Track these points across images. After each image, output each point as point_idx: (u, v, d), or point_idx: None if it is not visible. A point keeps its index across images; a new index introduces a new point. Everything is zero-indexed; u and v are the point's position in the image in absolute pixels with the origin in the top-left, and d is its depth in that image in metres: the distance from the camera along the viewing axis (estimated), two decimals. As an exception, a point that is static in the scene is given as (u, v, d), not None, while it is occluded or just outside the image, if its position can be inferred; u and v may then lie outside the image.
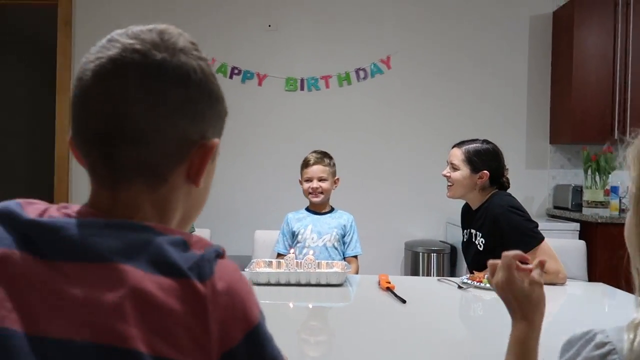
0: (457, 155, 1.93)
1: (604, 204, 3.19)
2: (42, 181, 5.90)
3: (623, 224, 0.72)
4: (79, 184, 3.73)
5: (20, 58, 5.64)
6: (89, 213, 0.54)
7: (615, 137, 3.38)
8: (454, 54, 3.71)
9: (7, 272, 0.48)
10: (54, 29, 3.72)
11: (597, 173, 3.23)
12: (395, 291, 1.48)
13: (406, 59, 3.69)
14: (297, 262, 1.70)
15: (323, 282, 1.62)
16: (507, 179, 1.94)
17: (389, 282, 1.59)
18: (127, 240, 0.50)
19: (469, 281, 1.67)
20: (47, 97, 5.51)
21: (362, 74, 3.70)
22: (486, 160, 1.91)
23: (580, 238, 3.16)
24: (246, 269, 1.71)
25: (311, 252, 2.10)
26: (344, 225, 2.18)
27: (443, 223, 3.72)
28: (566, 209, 3.49)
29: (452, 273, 3.32)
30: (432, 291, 1.67)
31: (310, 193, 2.17)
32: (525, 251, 1.69)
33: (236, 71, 3.70)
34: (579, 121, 3.41)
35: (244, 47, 3.71)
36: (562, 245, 2.09)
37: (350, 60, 3.70)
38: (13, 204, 0.53)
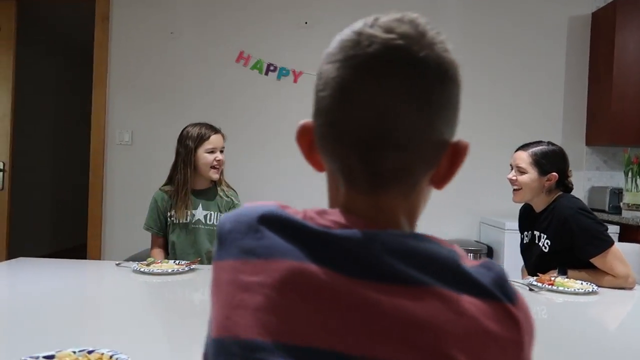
0: (524, 158, 1.91)
1: (642, 207, 3.16)
2: (69, 177, 5.94)
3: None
4: (114, 179, 3.74)
5: (53, 52, 5.67)
6: (359, 222, 0.49)
7: (656, 139, 3.36)
8: (493, 52, 3.68)
9: (310, 287, 0.45)
10: (90, 25, 3.73)
11: (638, 176, 3.20)
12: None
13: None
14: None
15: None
16: (571, 181, 1.93)
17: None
18: (427, 257, 0.47)
19: (538, 283, 1.66)
20: (78, 95, 5.57)
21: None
22: (554, 162, 1.89)
23: (619, 241, 3.15)
24: None
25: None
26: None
27: (477, 223, 3.71)
28: (603, 211, 3.46)
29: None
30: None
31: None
32: (595, 254, 1.70)
33: (272, 68, 3.70)
34: (619, 123, 3.38)
35: (281, 44, 3.71)
36: (622, 248, 2.07)
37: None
38: (278, 209, 0.50)
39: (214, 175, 2.11)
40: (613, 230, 3.18)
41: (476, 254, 3.30)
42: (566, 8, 3.69)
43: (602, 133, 3.52)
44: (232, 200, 2.20)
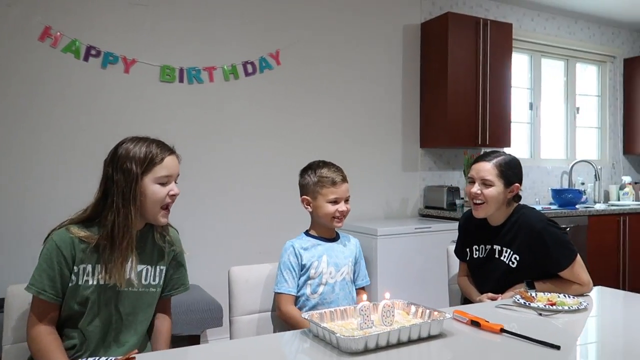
0: (489, 170, 1.79)
1: (483, 204, 3.50)
2: None
3: None
4: None
5: None
6: None
7: (479, 142, 3.77)
8: (340, 56, 3.59)
9: None
10: None
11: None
12: (501, 327, 1.25)
13: (295, 56, 3.40)
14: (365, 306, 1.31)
15: (424, 335, 1.28)
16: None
17: (476, 317, 1.36)
18: None
19: (539, 304, 1.54)
20: None
21: (250, 67, 3.25)
22: (516, 172, 1.82)
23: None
24: (324, 332, 1.25)
25: (337, 288, 1.70)
26: (355, 252, 1.82)
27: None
28: (442, 209, 3.73)
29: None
30: (522, 323, 1.44)
31: (335, 217, 1.74)
32: (566, 265, 1.68)
33: (93, 52, 2.83)
34: (454, 127, 3.68)
35: (106, 23, 2.87)
36: None
37: (237, 51, 3.22)
38: None
39: (163, 218, 1.41)
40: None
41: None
42: (400, 17, 3.84)
43: (438, 136, 3.78)
44: (174, 246, 1.51)
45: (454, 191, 3.76)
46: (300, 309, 1.67)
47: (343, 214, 1.73)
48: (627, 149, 5.16)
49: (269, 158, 3.33)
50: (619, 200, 4.74)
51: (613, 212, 4.09)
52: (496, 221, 1.85)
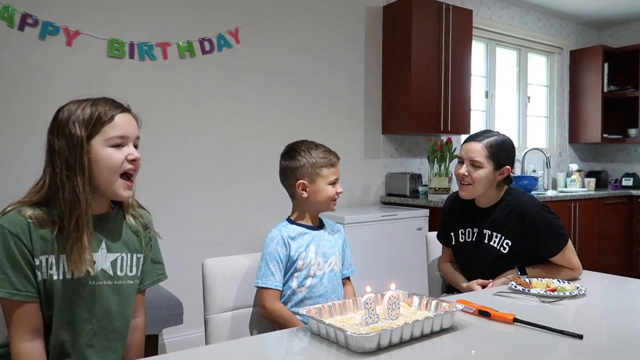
0: (479, 151, 1.69)
1: (447, 190, 3.47)
2: None
3: None
4: None
5: None
6: None
7: (441, 129, 3.74)
8: (301, 37, 3.42)
9: None
10: None
11: (441, 162, 3.49)
12: (514, 317, 1.17)
13: (256, 35, 3.20)
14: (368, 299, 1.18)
15: (436, 328, 1.16)
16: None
17: (485, 307, 1.27)
18: None
19: (539, 290, 1.47)
20: None
21: (207, 45, 3.02)
22: (508, 154, 1.75)
23: (429, 222, 3.38)
24: (323, 327, 1.11)
25: (326, 281, 1.55)
26: (341, 241, 1.67)
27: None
28: (405, 196, 3.67)
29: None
30: (526, 311, 1.34)
31: (333, 200, 1.59)
32: (558, 251, 1.63)
33: (30, 21, 2.50)
34: (417, 113, 3.61)
35: (44, -13, 2.54)
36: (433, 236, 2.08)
37: (193, 27, 2.97)
38: None
39: (125, 191, 1.18)
40: (423, 214, 3.39)
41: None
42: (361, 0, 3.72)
43: (400, 122, 3.71)
44: (148, 229, 1.29)
45: (416, 178, 3.71)
46: (284, 304, 1.52)
47: (339, 195, 1.61)
48: (573, 138, 5.35)
49: (227, 142, 3.12)
50: (566, 187, 4.90)
51: (565, 198, 4.20)
52: (485, 203, 1.77)
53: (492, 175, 1.71)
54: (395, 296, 1.20)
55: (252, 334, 1.56)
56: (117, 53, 2.72)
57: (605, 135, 5.16)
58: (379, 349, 1.05)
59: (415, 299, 1.31)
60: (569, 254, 1.68)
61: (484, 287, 1.70)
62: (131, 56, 2.78)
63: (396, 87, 3.72)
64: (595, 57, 5.14)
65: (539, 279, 1.58)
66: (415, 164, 4.04)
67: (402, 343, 1.09)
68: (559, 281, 1.57)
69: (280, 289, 1.50)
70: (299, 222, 1.60)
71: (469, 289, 1.72)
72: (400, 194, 3.72)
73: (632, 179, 5.13)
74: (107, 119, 1.13)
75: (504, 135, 1.79)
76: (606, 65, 5.13)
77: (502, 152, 1.72)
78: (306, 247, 1.54)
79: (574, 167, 5.00)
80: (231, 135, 3.13)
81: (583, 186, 4.95)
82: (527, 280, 1.57)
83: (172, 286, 2.63)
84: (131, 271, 1.23)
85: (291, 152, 1.60)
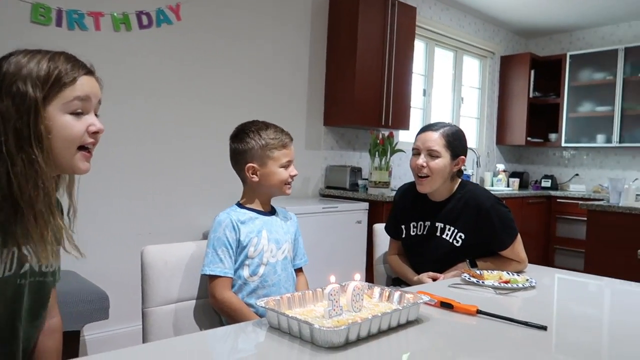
0: (436, 140, 1.67)
1: (387, 184, 3.48)
2: None
3: None
4: None
5: None
6: None
7: (382, 123, 3.75)
8: (244, 23, 3.28)
9: None
10: None
11: (383, 156, 3.49)
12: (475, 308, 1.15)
13: (197, 15, 3.02)
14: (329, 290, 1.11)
15: (403, 321, 1.11)
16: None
17: (448, 299, 1.24)
18: None
19: (494, 282, 1.47)
20: None
21: (145, 19, 2.80)
22: (463, 144, 1.73)
23: (369, 216, 3.38)
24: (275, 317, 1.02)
25: (279, 269, 1.45)
26: (294, 228, 1.58)
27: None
28: (344, 189, 3.65)
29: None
30: (484, 304, 1.30)
31: (287, 184, 1.48)
32: (509, 244, 1.65)
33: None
34: (358, 106, 3.59)
35: None
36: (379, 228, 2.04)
37: (129, -2, 2.74)
38: None
39: (83, 163, 0.98)
40: (363, 207, 3.39)
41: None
42: (309, -14, 3.64)
43: (343, 114, 3.67)
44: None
45: (356, 171, 3.69)
46: (235, 293, 1.41)
47: (293, 178, 1.51)
48: (500, 140, 5.60)
49: (160, 126, 2.92)
50: (492, 186, 5.13)
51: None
52: (439, 197, 1.76)
53: (449, 166, 1.70)
54: (359, 287, 1.13)
55: (201, 329, 1.44)
56: (42, 19, 2.45)
57: (529, 138, 5.45)
58: (347, 344, 0.98)
59: (376, 291, 1.26)
60: (518, 247, 1.70)
61: (434, 280, 1.69)
62: (58, 24, 2.51)
63: (340, 79, 3.67)
64: (523, 64, 5.41)
65: (490, 271, 1.59)
66: (355, 157, 4.03)
67: (369, 337, 1.03)
68: (509, 273, 1.59)
69: (231, 276, 1.39)
70: (249, 206, 1.50)
71: (419, 282, 1.71)
72: (339, 187, 3.69)
73: (550, 180, 5.47)
74: (69, 80, 0.94)
75: (455, 125, 1.79)
76: (532, 72, 5.42)
77: (458, 141, 1.72)
78: (258, 232, 1.44)
79: (500, 167, 5.24)
80: (166, 119, 2.93)
81: (508, 185, 5.21)
82: (479, 272, 1.57)
83: (97, 278, 2.43)
84: (51, 266, 1.04)
85: (240, 134, 1.49)
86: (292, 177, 1.49)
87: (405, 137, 4.37)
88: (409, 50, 3.92)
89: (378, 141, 3.47)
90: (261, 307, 1.08)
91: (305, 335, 0.99)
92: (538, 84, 5.52)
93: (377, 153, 3.47)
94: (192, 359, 0.94)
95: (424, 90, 4.69)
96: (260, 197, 1.50)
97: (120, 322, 2.60)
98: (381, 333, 1.06)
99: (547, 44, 5.82)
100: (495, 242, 1.69)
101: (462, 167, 1.77)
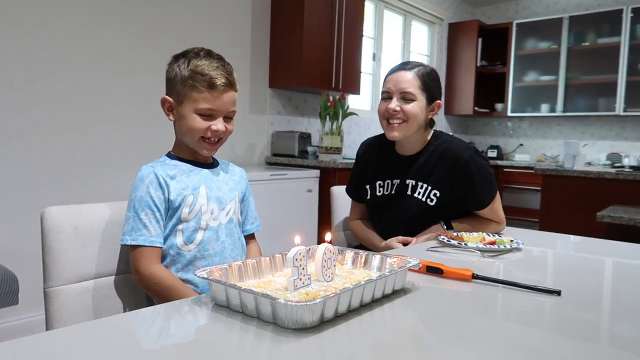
0: (411, 81, 1.42)
1: (339, 150, 3.24)
2: None
3: None
4: None
5: None
6: None
7: (332, 86, 3.49)
8: (181, 9, 2.88)
9: None
10: None
11: (334, 120, 3.24)
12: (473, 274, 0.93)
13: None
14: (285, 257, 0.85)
15: (389, 291, 0.86)
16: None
17: (435, 263, 1.01)
18: None
19: (457, 242, 1.27)
20: None
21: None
22: (439, 86, 1.50)
23: (320, 183, 3.14)
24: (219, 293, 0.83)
25: (222, 235, 1.15)
26: (242, 185, 1.28)
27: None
28: (292, 156, 3.38)
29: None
30: (474, 267, 1.11)
31: (205, 139, 1.15)
32: (489, 202, 1.45)
33: None
34: (306, 68, 3.31)
35: None
36: (339, 191, 1.82)
37: None
38: None
39: None
40: (314, 175, 3.14)
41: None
42: None
43: (290, 76, 3.37)
44: None
45: (305, 137, 3.42)
46: (166, 267, 1.12)
47: (217, 135, 1.16)
48: (447, 110, 5.51)
49: (71, 83, 2.50)
50: (441, 156, 5.02)
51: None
52: (410, 149, 1.52)
53: (425, 111, 1.46)
54: (331, 250, 0.88)
55: (124, 312, 1.13)
56: None
57: (476, 108, 5.39)
58: (321, 322, 0.73)
59: (349, 255, 1.01)
60: (498, 206, 1.51)
61: (405, 244, 1.46)
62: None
63: (286, 37, 3.36)
64: (471, 32, 5.31)
65: (469, 233, 1.39)
66: (303, 123, 3.76)
67: (349, 312, 0.78)
68: (491, 235, 1.39)
69: (159, 245, 1.09)
70: (181, 156, 1.19)
71: (387, 248, 1.48)
72: (287, 154, 3.41)
73: (496, 150, 5.46)
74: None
75: (428, 64, 1.55)
76: (480, 40, 5.33)
77: (434, 82, 1.49)
78: (193, 189, 1.14)
79: (449, 136, 5.15)
80: (80, 78, 2.51)
81: (456, 156, 5.12)
82: (456, 234, 1.36)
83: (2, 257, 2.03)
84: None
85: (176, 57, 1.18)
86: (212, 132, 1.14)
87: (355, 104, 4.15)
88: (359, 8, 3.66)
89: (329, 104, 3.21)
90: (202, 278, 0.80)
91: (264, 314, 0.72)
92: (485, 53, 5.45)
93: (327, 117, 3.21)
94: (110, 349, 0.65)
95: (374, 55, 4.47)
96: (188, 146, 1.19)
97: (33, 308, 2.22)
98: (363, 307, 0.82)
99: (494, 12, 5.76)
100: (473, 199, 1.48)
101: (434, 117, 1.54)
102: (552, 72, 5.05)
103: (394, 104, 1.44)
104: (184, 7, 2.91)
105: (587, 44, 4.89)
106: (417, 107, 1.44)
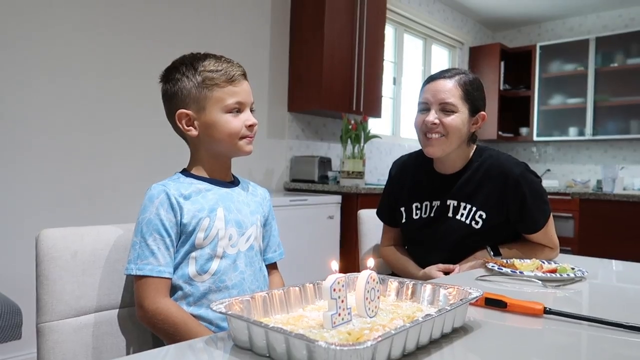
0: (451, 90, 1.28)
1: (361, 174, 3.10)
2: None
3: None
4: None
5: None
6: None
7: (354, 109, 3.37)
8: (201, 23, 2.83)
9: None
10: None
11: (355, 143, 3.10)
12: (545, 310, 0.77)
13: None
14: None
15: (448, 329, 0.70)
16: None
17: (498, 295, 0.85)
18: None
19: (511, 270, 1.10)
20: None
21: (72, -28, 2.31)
22: (483, 96, 1.35)
23: (341, 210, 2.99)
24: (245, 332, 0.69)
25: (241, 264, 1.01)
26: (265, 207, 1.14)
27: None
28: (312, 181, 3.24)
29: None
30: (534, 299, 0.97)
31: (244, 137, 1.02)
32: (543, 224, 1.29)
33: None
34: (326, 90, 3.21)
35: None
36: (368, 215, 1.67)
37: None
38: None
39: None
40: (335, 200, 2.99)
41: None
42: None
43: (310, 99, 3.27)
44: None
45: (325, 162, 3.29)
46: (176, 301, 0.96)
47: (254, 128, 1.04)
48: (470, 134, 5.34)
49: (91, 106, 2.42)
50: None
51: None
52: (451, 167, 1.37)
53: (467, 125, 1.31)
54: (374, 279, 0.72)
55: (128, 352, 0.98)
56: None
57: (500, 132, 5.23)
58: (372, 369, 0.56)
59: (392, 284, 0.85)
60: (551, 229, 1.34)
61: (446, 273, 1.30)
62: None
63: (306, 60, 3.28)
64: (493, 55, 5.19)
65: (521, 260, 1.21)
66: (322, 147, 3.63)
67: (403, 357, 0.62)
68: (547, 262, 1.21)
69: (168, 276, 0.94)
70: (198, 174, 1.05)
71: (426, 277, 1.31)
72: (307, 180, 3.28)
73: (522, 176, 5.24)
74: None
75: (471, 71, 1.40)
76: (502, 63, 5.21)
77: (478, 91, 1.34)
78: (210, 210, 0.99)
79: (473, 162, 4.97)
80: (94, 95, 2.44)
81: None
82: (506, 262, 1.19)
83: (5, 287, 1.91)
84: None
85: (170, 70, 1.05)
86: (248, 127, 1.02)
87: (376, 129, 4.02)
88: (380, 30, 3.57)
89: (350, 127, 3.08)
90: (219, 312, 0.64)
91: (297, 358, 0.57)
92: (507, 76, 5.32)
93: (349, 140, 3.08)
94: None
95: (394, 79, 4.36)
96: (208, 161, 1.05)
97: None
98: (419, 350, 0.65)
99: (516, 36, 5.65)
100: (525, 222, 1.31)
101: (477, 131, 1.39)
102: (580, 95, 4.88)
103: (432, 116, 1.29)
104: (202, 28, 2.84)
105: (615, 65, 4.72)
106: (458, 119, 1.29)
